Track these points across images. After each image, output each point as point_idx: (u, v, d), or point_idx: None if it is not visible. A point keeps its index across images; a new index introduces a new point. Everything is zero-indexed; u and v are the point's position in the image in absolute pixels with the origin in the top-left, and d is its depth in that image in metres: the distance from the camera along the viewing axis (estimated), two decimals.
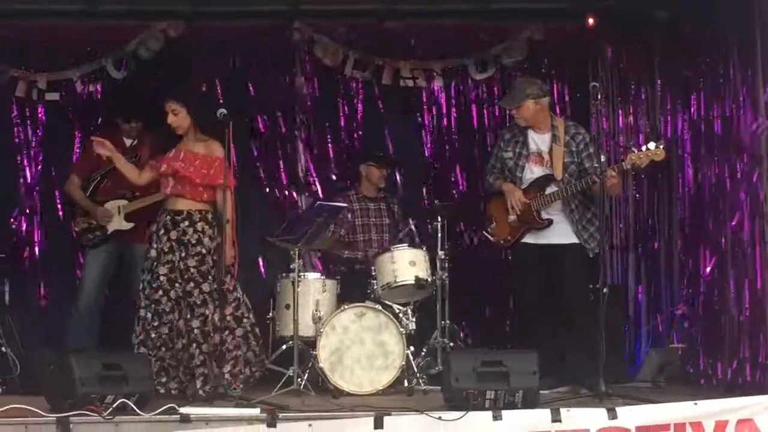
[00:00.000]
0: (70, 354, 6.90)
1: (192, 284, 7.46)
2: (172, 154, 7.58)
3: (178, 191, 7.54)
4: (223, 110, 7.34)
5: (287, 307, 7.90)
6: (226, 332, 7.43)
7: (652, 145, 7.48)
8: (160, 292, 7.49)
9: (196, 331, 7.42)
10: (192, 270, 7.46)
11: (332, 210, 7.99)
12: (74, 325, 8.37)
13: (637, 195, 9.20)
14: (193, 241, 7.50)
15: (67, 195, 8.62)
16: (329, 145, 9.42)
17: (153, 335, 7.50)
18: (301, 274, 7.90)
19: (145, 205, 8.29)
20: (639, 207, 9.22)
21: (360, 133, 9.40)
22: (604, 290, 7.10)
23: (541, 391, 6.86)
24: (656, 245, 9.06)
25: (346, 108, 9.40)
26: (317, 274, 8.21)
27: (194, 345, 7.42)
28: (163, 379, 7.49)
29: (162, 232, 7.54)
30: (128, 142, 8.49)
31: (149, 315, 7.51)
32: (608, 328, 7.13)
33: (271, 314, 8.08)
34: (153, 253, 7.55)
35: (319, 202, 8.10)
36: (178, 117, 7.53)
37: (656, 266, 9.07)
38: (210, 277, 7.46)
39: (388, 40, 8.93)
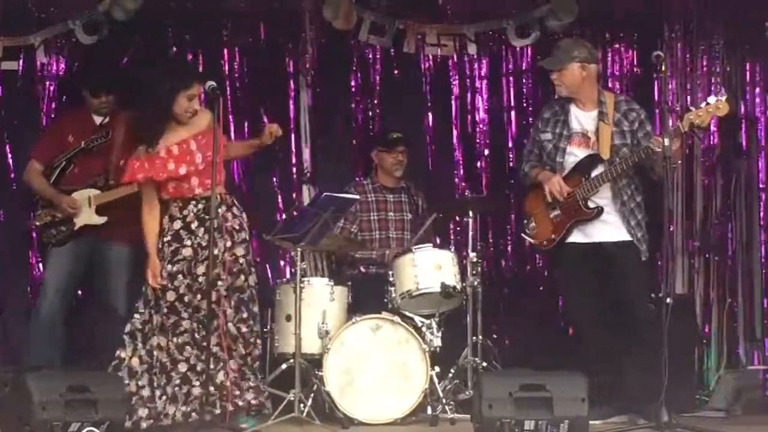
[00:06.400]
0: (28, 372, 6.85)
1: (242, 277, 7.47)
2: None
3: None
4: (212, 83, 7.42)
5: (288, 318, 7.91)
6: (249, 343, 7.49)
7: (712, 100, 7.42)
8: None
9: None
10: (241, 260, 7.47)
11: (341, 202, 7.98)
12: (33, 338, 8.31)
13: (706, 181, 9.15)
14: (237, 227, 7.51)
15: (26, 184, 8.52)
16: (338, 125, 9.36)
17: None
18: (305, 279, 7.92)
19: (122, 196, 8.16)
20: (710, 200, 9.17)
21: (377, 111, 9.35)
22: (668, 301, 7.06)
23: (591, 422, 6.83)
24: (731, 247, 9.07)
25: (360, 81, 9.34)
26: (324, 280, 8.20)
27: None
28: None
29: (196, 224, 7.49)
30: (98, 119, 8.45)
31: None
32: (673, 347, 7.07)
33: (268, 327, 8.07)
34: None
35: (325, 193, 8.00)
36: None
37: (732, 274, 9.07)
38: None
39: (411, 0, 8.94)
